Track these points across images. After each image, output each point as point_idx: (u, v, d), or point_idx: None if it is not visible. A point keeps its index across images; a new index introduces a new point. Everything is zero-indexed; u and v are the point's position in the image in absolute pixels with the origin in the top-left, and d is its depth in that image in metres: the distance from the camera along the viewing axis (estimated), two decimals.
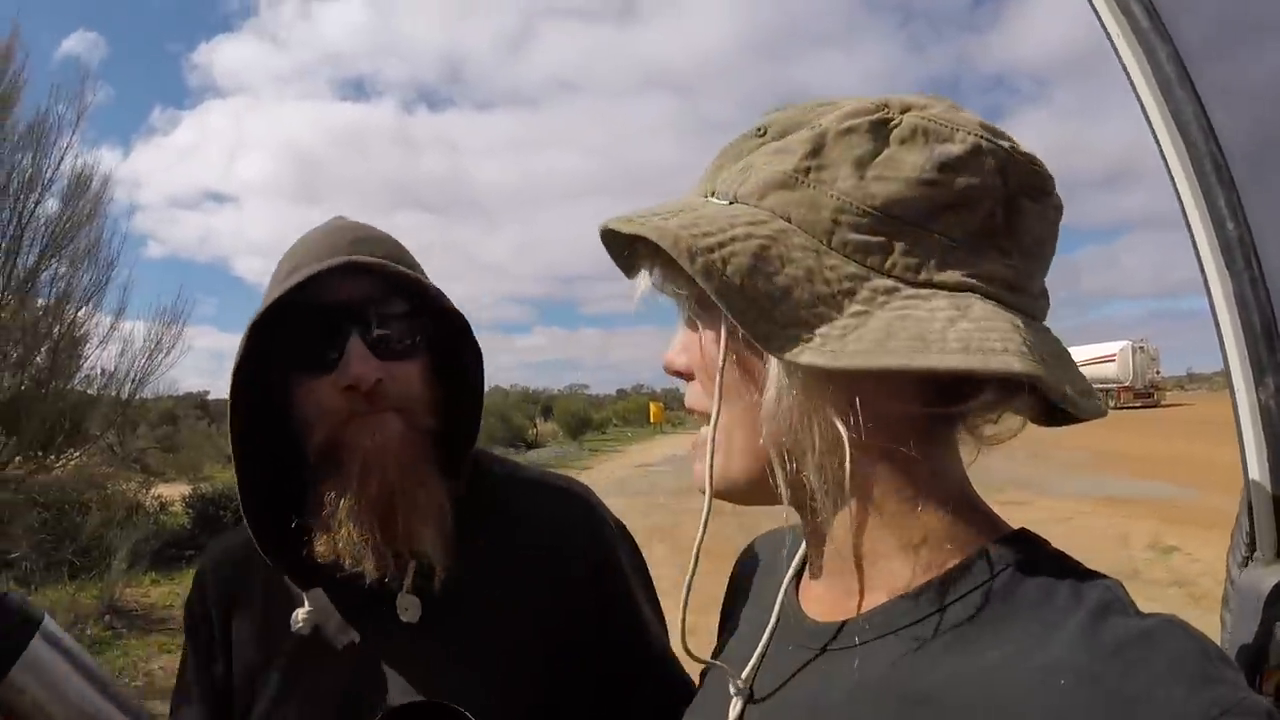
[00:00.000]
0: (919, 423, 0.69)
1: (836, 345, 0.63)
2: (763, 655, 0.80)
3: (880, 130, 0.67)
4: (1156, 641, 0.56)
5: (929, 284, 0.66)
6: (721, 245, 0.66)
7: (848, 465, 0.67)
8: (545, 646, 1.21)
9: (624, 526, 1.39)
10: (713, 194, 0.74)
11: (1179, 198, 1.01)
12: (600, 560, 1.30)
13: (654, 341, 0.83)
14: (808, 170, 0.68)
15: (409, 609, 1.17)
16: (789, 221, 0.68)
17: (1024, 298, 0.69)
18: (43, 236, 8.70)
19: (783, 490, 0.73)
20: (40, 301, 8.79)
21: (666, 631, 1.36)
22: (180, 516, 13.65)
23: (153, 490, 13.91)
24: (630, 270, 0.81)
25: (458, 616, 1.20)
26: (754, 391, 0.71)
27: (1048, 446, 19.66)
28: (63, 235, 8.89)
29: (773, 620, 0.82)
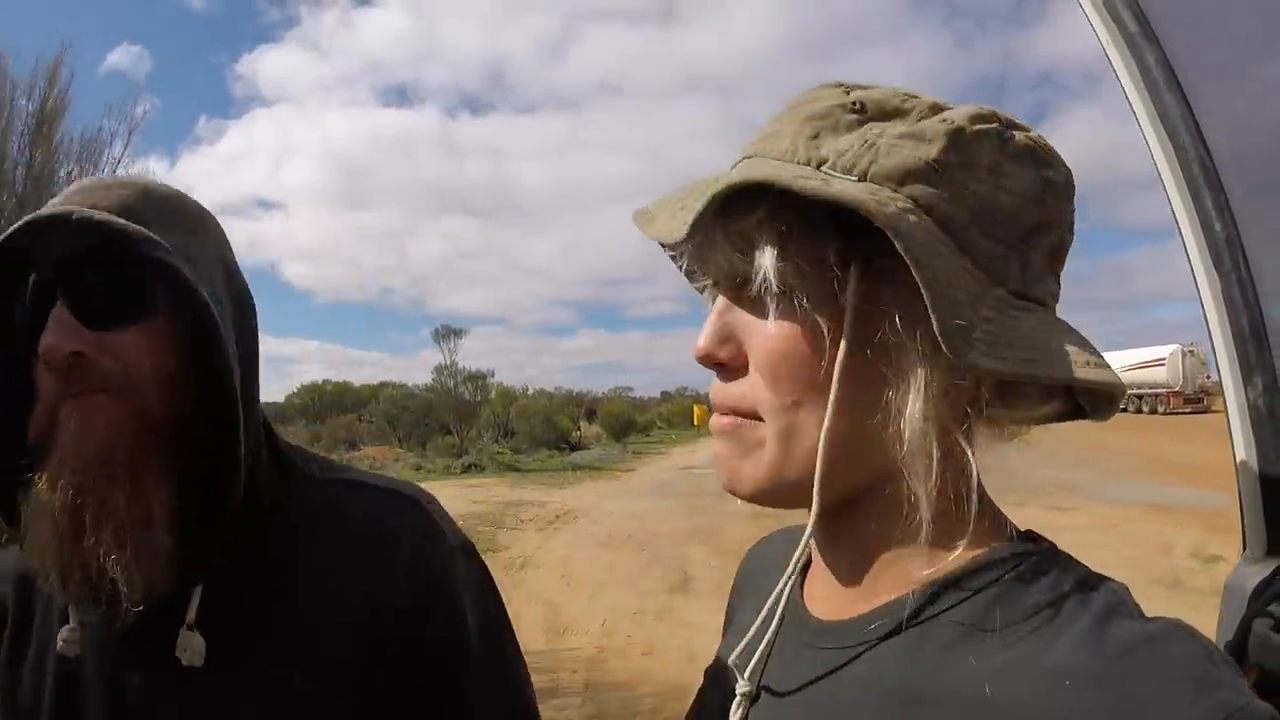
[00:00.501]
0: (970, 428, 0.69)
1: (996, 350, 0.62)
2: (767, 654, 0.77)
3: (1000, 140, 0.67)
4: (1162, 645, 0.56)
5: (1024, 296, 0.67)
6: (909, 232, 0.61)
7: (975, 477, 0.67)
8: (352, 699, 0.98)
9: (472, 547, 1.12)
10: (822, 165, 0.67)
11: (1169, 200, 1.02)
12: (427, 582, 1.03)
13: None
14: (948, 165, 0.65)
15: (188, 649, 0.94)
16: (928, 215, 0.64)
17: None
18: None
19: (829, 493, 0.69)
20: None
21: (521, 681, 1.11)
22: None
23: None
24: (693, 238, 0.68)
25: (250, 659, 0.97)
26: (861, 389, 0.66)
27: (1095, 451, 19.38)
28: None
29: (777, 618, 0.79)
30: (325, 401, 55.58)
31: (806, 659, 0.73)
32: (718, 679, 0.85)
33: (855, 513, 0.71)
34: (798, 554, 0.74)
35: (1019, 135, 0.68)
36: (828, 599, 0.76)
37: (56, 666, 0.98)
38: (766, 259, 0.65)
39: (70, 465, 0.87)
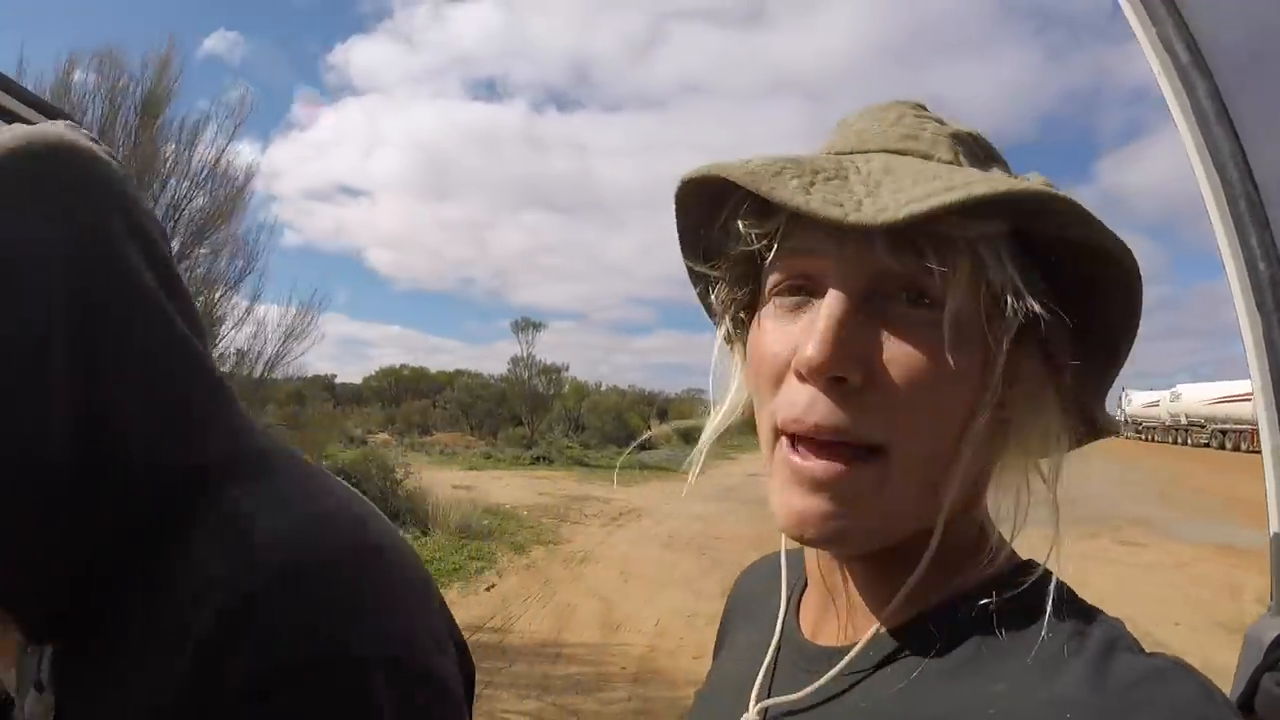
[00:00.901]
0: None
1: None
2: (765, 682, 0.77)
3: None
4: (1161, 682, 0.55)
5: None
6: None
7: (1027, 500, 0.69)
8: None
9: (361, 660, 0.67)
10: None
11: (1214, 235, 1.00)
12: (220, 638, 0.67)
13: None
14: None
15: (31, 711, 0.81)
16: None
17: None
18: (189, 226, 9.34)
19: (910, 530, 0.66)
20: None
21: None
22: None
23: None
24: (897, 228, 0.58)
25: None
26: (990, 426, 0.64)
27: (1174, 487, 18.77)
28: (209, 226, 9.54)
29: (774, 645, 0.79)
30: (401, 386, 56.50)
31: (804, 686, 0.71)
32: (709, 704, 0.84)
33: (893, 545, 0.67)
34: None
35: None
36: (825, 625, 0.75)
37: None
38: (999, 276, 0.61)
39: None
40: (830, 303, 0.63)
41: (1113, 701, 0.55)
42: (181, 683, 0.66)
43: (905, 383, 0.61)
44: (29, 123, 2.19)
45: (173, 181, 9.17)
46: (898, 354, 0.62)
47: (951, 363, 0.61)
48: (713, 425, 0.81)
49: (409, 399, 50.82)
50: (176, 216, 9.15)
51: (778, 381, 0.66)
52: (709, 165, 0.67)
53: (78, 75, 8.83)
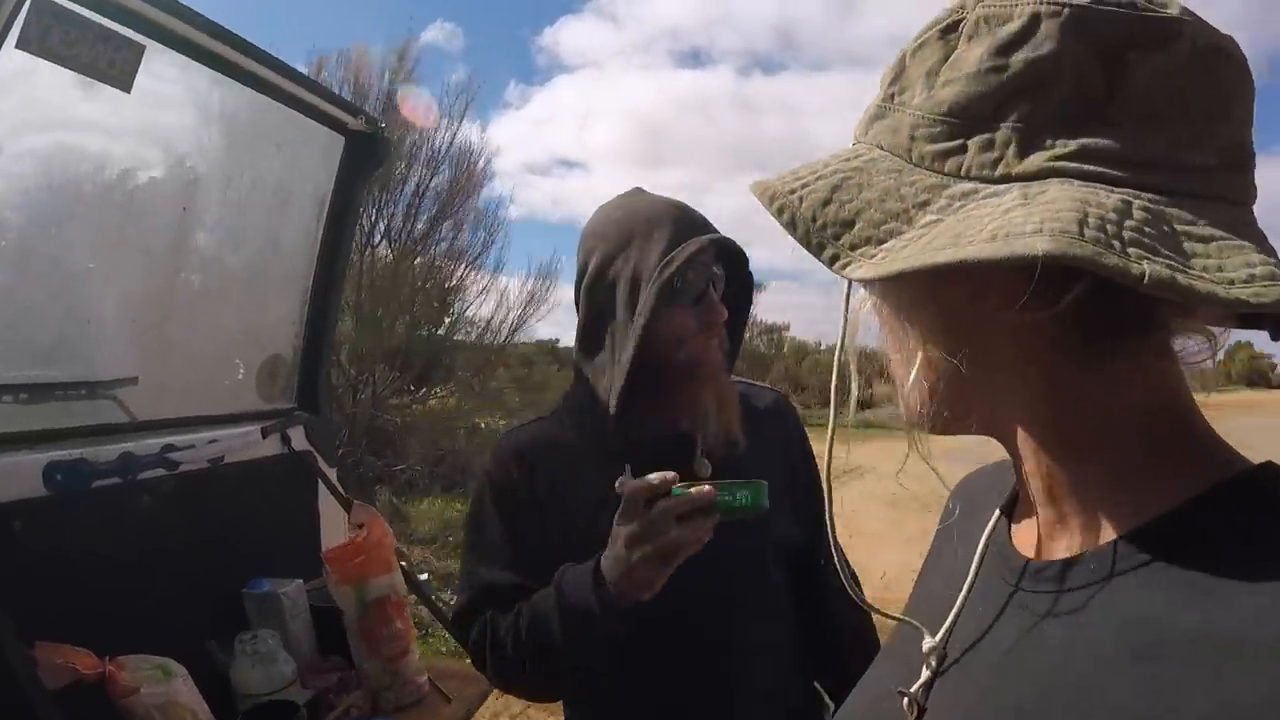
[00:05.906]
0: (1048, 331, 0.59)
1: (891, 256, 0.58)
2: (966, 597, 0.73)
3: (948, 35, 0.62)
4: None
5: (1008, 178, 0.57)
6: (803, 185, 0.65)
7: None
8: (786, 481, 1.61)
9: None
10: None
11: None
12: (795, 420, 1.79)
13: None
14: (892, 96, 0.65)
15: (700, 465, 1.58)
16: (881, 149, 0.65)
17: (1153, 173, 0.56)
18: (435, 204, 10.25)
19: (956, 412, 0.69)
20: (419, 261, 10.30)
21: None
22: None
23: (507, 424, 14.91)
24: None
25: (728, 472, 1.51)
26: (903, 327, 0.68)
27: None
28: (451, 203, 10.37)
29: (976, 560, 0.75)
30: None
31: (1011, 603, 0.66)
32: (911, 625, 0.79)
33: (1071, 441, 0.63)
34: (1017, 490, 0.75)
35: (974, 12, 0.61)
36: (1031, 537, 0.70)
37: None
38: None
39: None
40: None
41: None
42: (790, 431, 1.74)
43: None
44: (331, 118, 2.55)
45: (417, 166, 10.06)
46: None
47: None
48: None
49: None
50: (421, 196, 10.02)
51: None
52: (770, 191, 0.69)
53: (324, 74, 9.77)
